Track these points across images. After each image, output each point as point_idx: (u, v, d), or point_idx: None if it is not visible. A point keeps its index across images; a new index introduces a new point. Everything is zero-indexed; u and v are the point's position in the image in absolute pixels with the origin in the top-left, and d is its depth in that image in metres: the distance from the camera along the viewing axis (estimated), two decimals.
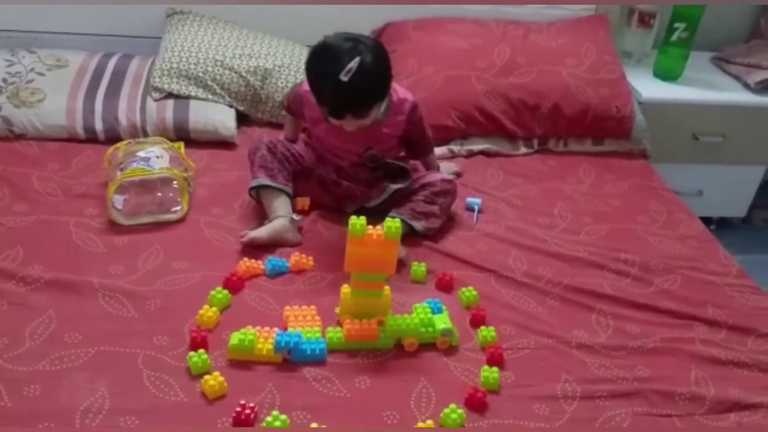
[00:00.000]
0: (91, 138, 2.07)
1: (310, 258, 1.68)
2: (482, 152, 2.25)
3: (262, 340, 1.40)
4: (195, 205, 1.83)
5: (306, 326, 1.46)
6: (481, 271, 1.72)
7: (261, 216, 1.79)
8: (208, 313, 1.46)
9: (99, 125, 2.06)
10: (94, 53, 2.30)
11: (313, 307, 1.52)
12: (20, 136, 2.03)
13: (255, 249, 1.69)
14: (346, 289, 1.50)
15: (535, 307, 1.63)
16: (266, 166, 1.79)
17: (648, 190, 2.17)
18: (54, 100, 2.07)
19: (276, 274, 1.64)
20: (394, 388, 1.38)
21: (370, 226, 1.42)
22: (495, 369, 1.41)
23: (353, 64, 1.57)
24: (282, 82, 2.22)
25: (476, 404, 1.34)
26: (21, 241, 1.64)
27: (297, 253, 1.68)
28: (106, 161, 1.86)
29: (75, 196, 1.83)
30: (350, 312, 1.49)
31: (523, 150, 2.29)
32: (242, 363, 1.39)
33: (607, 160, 2.30)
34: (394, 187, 1.81)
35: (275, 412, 1.26)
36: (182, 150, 1.95)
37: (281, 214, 1.75)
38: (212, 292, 1.52)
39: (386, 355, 1.45)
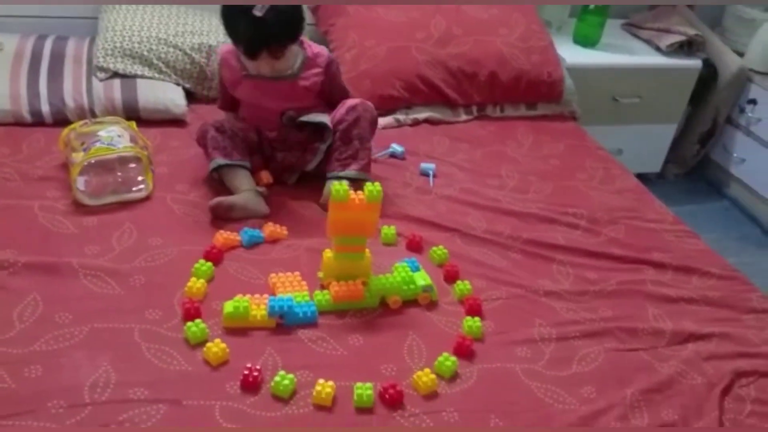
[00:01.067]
0: (37, 121, 2.02)
1: (284, 227, 1.72)
2: (426, 120, 2.34)
3: (255, 306, 1.45)
4: (158, 183, 1.83)
5: (294, 291, 1.51)
6: (445, 231, 1.81)
7: (226, 191, 1.82)
8: (197, 284, 1.49)
9: (45, 108, 2.01)
10: (27, 35, 2.23)
11: (297, 273, 1.57)
12: None
13: (228, 223, 1.72)
14: (328, 253, 1.56)
15: (500, 261, 1.74)
16: (219, 146, 1.81)
17: (582, 149, 2.33)
18: None
19: (253, 244, 1.67)
20: (385, 343, 1.46)
21: (351, 191, 1.48)
22: (477, 318, 1.51)
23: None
24: None
25: (465, 352, 1.44)
26: None
27: (270, 224, 1.72)
28: (62, 143, 1.83)
29: (33, 179, 1.79)
30: (333, 275, 1.55)
31: (464, 117, 2.40)
32: (238, 330, 1.43)
33: (541, 124, 2.44)
34: (324, 146, 1.86)
35: (282, 372, 1.31)
36: (135, 129, 1.94)
37: (245, 188, 1.78)
38: (196, 265, 1.55)
39: (373, 314, 1.53)
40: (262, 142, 1.89)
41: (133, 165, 1.79)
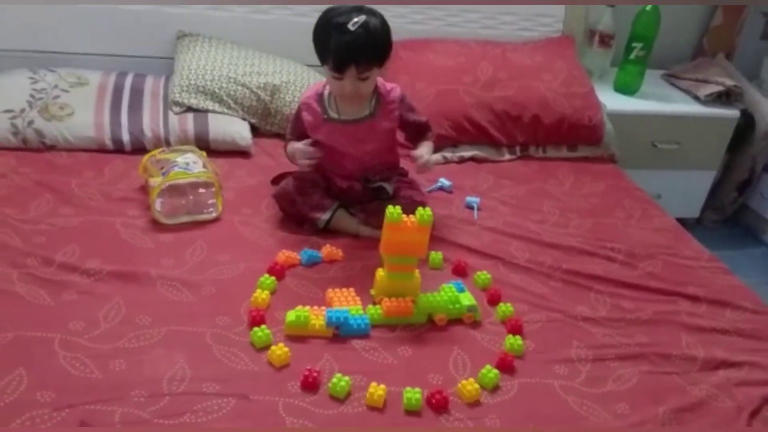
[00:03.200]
0: (118, 149, 2.22)
1: (340, 250, 1.87)
2: (472, 158, 2.49)
3: (314, 317, 1.59)
4: (226, 207, 2.00)
5: (349, 305, 1.64)
6: (488, 258, 1.94)
7: (285, 216, 1.98)
8: (261, 295, 1.64)
9: (126, 137, 2.21)
10: (109, 72, 2.45)
11: (351, 289, 1.71)
12: (51, 147, 2.16)
13: (289, 243, 1.87)
14: (381, 272, 1.70)
15: (540, 288, 1.85)
16: (312, 204, 1.95)
17: (621, 189, 2.45)
18: (82, 115, 2.22)
19: (311, 263, 1.82)
20: (432, 355, 1.58)
21: (404, 215, 1.62)
22: (518, 337, 1.63)
23: (360, 18, 1.76)
24: (289, 97, 2.41)
25: (507, 366, 1.55)
26: (74, 239, 1.78)
27: (328, 245, 1.87)
28: (141, 168, 2.02)
29: (115, 200, 1.98)
30: (385, 292, 1.69)
31: (507, 156, 2.54)
32: (298, 337, 1.56)
33: (581, 165, 2.57)
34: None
35: (338, 374, 1.44)
36: (206, 158, 2.12)
37: (352, 227, 1.98)
38: (261, 279, 1.70)
39: (420, 329, 1.65)
40: (330, 189, 2.02)
41: (203, 190, 1.96)
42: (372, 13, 1.81)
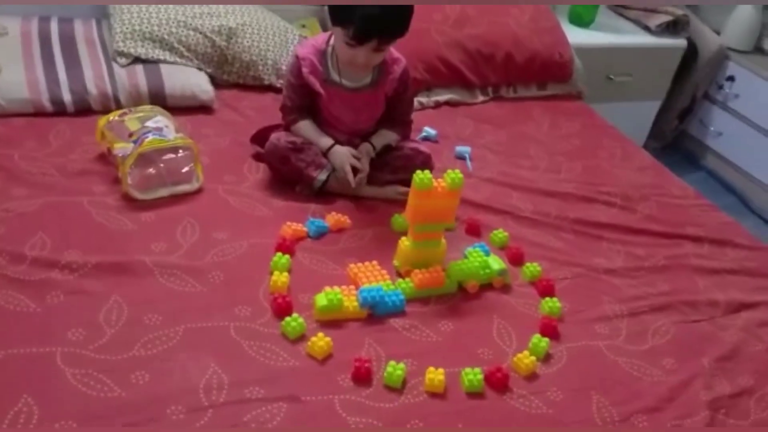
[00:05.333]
0: (59, 111, 1.91)
1: (346, 216, 1.71)
2: (447, 102, 2.35)
3: (345, 298, 1.44)
4: (204, 175, 1.77)
5: (378, 281, 1.51)
6: (496, 213, 1.84)
7: (274, 179, 1.79)
8: (281, 278, 1.47)
9: (67, 96, 1.91)
10: (28, 17, 2.10)
11: (374, 262, 1.56)
12: None
13: (288, 213, 1.69)
14: (406, 241, 1.56)
15: (555, 242, 1.79)
16: (308, 160, 1.75)
17: (596, 128, 2.41)
18: (10, 72, 1.88)
19: (319, 234, 1.66)
20: (474, 327, 1.48)
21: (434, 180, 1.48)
22: (555, 299, 1.56)
23: None
24: (247, 41, 2.16)
25: (552, 332, 1.48)
26: (40, 226, 1.52)
27: (333, 213, 1.70)
28: (99, 134, 1.75)
29: (73, 174, 1.71)
30: (410, 263, 1.56)
31: (481, 98, 2.43)
32: (331, 322, 1.42)
33: (552, 104, 2.50)
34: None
35: (392, 362, 1.32)
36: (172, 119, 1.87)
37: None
38: (274, 259, 1.52)
39: (453, 299, 1.55)
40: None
41: (172, 155, 1.72)
42: None
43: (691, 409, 1.36)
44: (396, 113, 1.86)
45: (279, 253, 1.54)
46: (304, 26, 2.41)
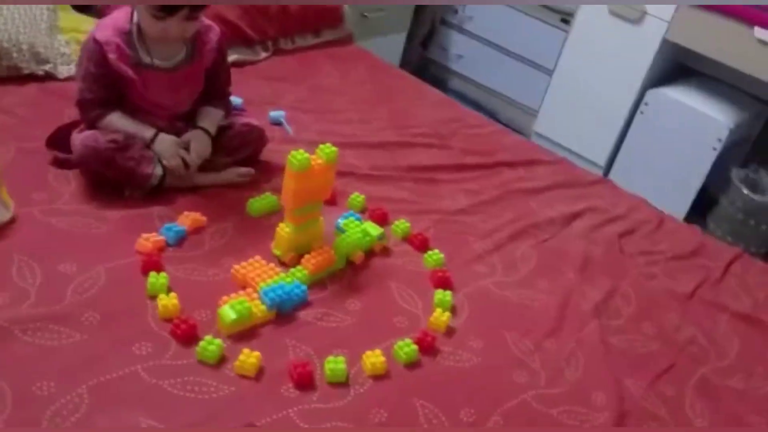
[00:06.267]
0: None
1: (198, 213, 1.54)
2: (233, 64, 2.19)
3: (252, 304, 1.32)
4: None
5: (271, 277, 1.40)
6: (338, 176, 1.77)
7: (92, 186, 1.54)
8: (171, 301, 1.29)
9: None
10: None
11: (257, 257, 1.44)
12: None
13: (132, 222, 1.48)
14: (286, 227, 1.46)
15: (401, 193, 1.81)
16: (136, 157, 1.53)
17: (380, 70, 2.45)
18: None
19: (178, 240, 1.47)
20: (379, 299, 1.46)
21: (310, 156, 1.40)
22: (435, 251, 1.59)
23: None
24: None
25: (447, 284, 1.52)
26: None
27: (185, 213, 1.52)
28: None
29: None
30: (292, 248, 1.47)
31: (263, 54, 2.31)
32: (241, 333, 1.29)
33: (331, 50, 2.47)
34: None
35: (330, 358, 1.26)
36: None
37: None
38: (150, 280, 1.32)
39: (345, 275, 1.50)
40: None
41: None
42: None
43: (582, 322, 1.51)
44: (215, 87, 1.69)
45: (153, 272, 1.34)
46: None
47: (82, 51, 1.55)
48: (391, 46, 3.16)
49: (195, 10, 1.49)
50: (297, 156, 1.37)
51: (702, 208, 2.75)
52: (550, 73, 3.06)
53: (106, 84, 1.54)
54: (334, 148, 1.43)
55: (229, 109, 1.73)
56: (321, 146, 1.42)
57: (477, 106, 3.38)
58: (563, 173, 2.08)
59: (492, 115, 3.32)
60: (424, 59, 3.46)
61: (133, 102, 1.58)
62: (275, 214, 1.60)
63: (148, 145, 1.57)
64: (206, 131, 1.63)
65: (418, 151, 2.00)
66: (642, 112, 2.79)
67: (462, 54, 3.35)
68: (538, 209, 1.88)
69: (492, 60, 3.25)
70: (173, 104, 1.62)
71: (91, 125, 1.56)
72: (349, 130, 2.02)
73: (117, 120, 1.56)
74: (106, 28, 1.51)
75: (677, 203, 2.66)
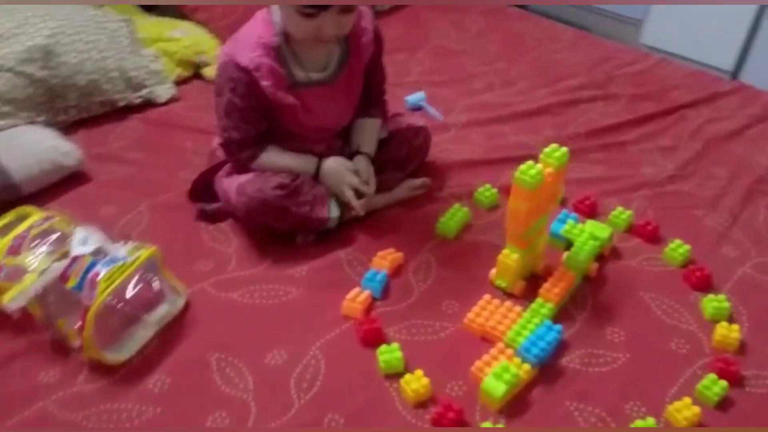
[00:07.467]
0: None
1: (391, 250, 1.26)
2: None
3: (514, 366, 1.05)
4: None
5: (515, 321, 1.13)
6: (512, 162, 1.48)
7: (259, 239, 1.27)
8: (421, 381, 1.03)
9: None
10: None
11: (485, 297, 1.17)
12: None
13: (325, 273, 1.22)
14: (512, 254, 1.18)
15: (592, 168, 1.52)
16: (308, 200, 1.25)
17: (492, 12, 2.10)
18: None
19: (382, 289, 1.20)
20: (641, 319, 1.18)
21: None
22: (678, 241, 1.31)
23: None
24: (73, 56, 1.48)
25: (707, 284, 1.24)
26: None
27: (380, 254, 1.24)
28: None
29: None
30: (519, 276, 1.21)
31: None
32: (512, 405, 1.03)
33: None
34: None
35: (639, 421, 1.00)
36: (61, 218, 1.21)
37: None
38: (383, 357, 1.06)
39: (585, 296, 1.22)
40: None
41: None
42: None
43: None
44: (372, 87, 1.37)
45: (384, 346, 1.08)
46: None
47: (219, 79, 1.23)
48: None
49: (346, 7, 1.16)
50: (528, 172, 1.08)
51: None
52: None
53: (257, 119, 1.24)
54: (563, 150, 1.13)
55: (386, 114, 1.42)
56: (546, 150, 1.12)
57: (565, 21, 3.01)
58: (752, 103, 1.76)
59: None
60: None
61: (288, 129, 1.28)
62: (468, 230, 1.32)
63: (314, 177, 1.28)
64: (368, 156, 1.33)
65: (586, 110, 1.70)
66: None
67: None
68: (749, 156, 1.58)
69: None
70: (335, 123, 1.33)
71: (244, 168, 1.28)
72: (497, 98, 1.72)
73: (274, 157, 1.28)
74: (250, 48, 1.20)
75: None
